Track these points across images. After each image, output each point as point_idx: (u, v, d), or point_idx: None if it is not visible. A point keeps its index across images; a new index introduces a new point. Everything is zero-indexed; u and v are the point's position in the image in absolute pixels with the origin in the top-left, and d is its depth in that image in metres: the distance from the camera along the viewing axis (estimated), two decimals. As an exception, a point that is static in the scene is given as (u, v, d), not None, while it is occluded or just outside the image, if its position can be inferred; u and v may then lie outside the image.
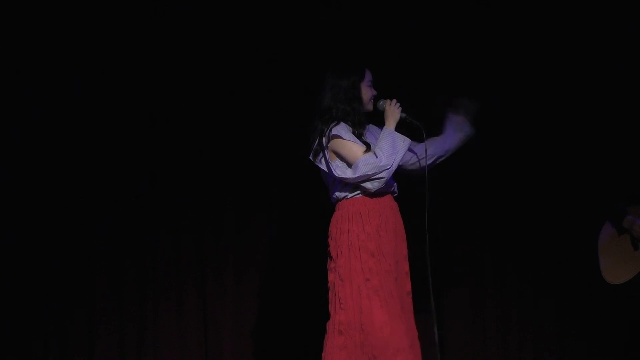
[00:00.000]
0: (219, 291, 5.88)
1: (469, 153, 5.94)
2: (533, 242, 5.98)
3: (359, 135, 4.67)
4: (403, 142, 4.66)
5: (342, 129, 4.64)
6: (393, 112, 4.72)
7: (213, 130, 5.90)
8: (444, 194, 5.89)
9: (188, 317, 5.88)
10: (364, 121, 4.73)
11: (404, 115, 4.73)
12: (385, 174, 4.61)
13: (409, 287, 4.73)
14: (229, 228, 5.91)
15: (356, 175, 4.60)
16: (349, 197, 4.68)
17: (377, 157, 4.58)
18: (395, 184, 4.78)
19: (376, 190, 4.65)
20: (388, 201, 4.73)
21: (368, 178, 4.60)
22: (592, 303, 5.90)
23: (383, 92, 4.79)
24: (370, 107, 4.75)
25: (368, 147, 4.62)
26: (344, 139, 4.63)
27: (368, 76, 4.74)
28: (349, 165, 4.62)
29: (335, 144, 4.64)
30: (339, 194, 4.70)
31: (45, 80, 5.76)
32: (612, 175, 5.61)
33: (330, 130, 4.64)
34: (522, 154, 5.98)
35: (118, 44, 5.80)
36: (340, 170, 4.64)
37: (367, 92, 4.73)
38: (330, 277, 4.65)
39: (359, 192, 4.67)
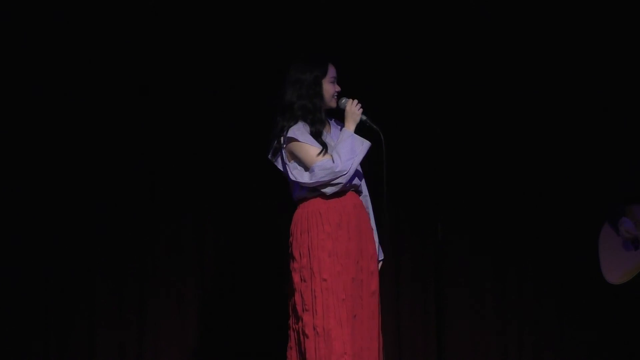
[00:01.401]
0: (219, 288, 5.88)
1: (469, 152, 5.98)
2: (534, 241, 5.97)
3: (317, 134, 4.52)
4: (362, 145, 4.51)
5: (298, 130, 4.51)
6: (353, 113, 4.55)
7: (212, 126, 5.86)
8: (444, 194, 5.90)
9: (188, 314, 5.87)
10: (324, 119, 4.58)
11: (364, 117, 4.56)
12: (342, 180, 4.47)
13: (374, 286, 4.55)
14: (229, 226, 5.90)
15: (312, 181, 4.48)
16: (308, 197, 4.56)
17: (333, 161, 4.46)
18: (361, 182, 4.63)
19: (352, 188, 4.56)
20: (351, 199, 4.55)
21: (325, 184, 4.49)
22: (593, 303, 5.89)
23: (349, 91, 4.67)
24: (333, 104, 4.59)
25: (325, 149, 4.49)
26: (300, 142, 4.49)
27: (331, 72, 4.57)
28: (307, 168, 4.51)
29: (292, 146, 4.51)
30: (298, 194, 4.58)
31: (43, 79, 5.73)
32: (612, 173, 5.61)
33: (288, 131, 4.52)
34: (523, 152, 5.97)
35: (114, 42, 5.80)
36: (298, 174, 4.51)
37: (329, 89, 4.56)
38: (295, 278, 4.51)
39: (317, 193, 4.54)
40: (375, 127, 4.55)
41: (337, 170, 4.44)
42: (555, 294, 5.95)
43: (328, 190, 4.50)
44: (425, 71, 5.93)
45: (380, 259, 4.68)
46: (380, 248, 4.68)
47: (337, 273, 4.46)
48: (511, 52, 5.95)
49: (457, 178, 5.95)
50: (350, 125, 4.54)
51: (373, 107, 5.69)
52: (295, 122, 4.52)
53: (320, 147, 4.49)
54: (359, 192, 4.64)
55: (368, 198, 4.71)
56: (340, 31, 5.85)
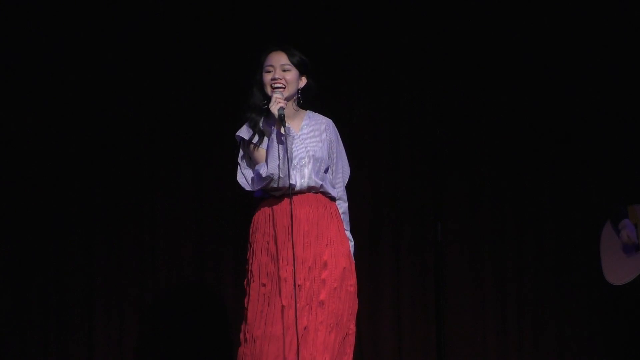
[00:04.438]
0: (219, 287, 5.87)
1: (469, 152, 5.97)
2: (534, 241, 5.97)
3: (255, 123, 4.33)
4: (277, 147, 4.22)
5: (242, 131, 4.38)
6: (273, 110, 4.25)
7: (211, 128, 5.87)
8: (444, 194, 5.89)
9: (188, 316, 5.86)
10: (262, 107, 4.33)
11: (281, 112, 4.21)
12: (276, 184, 4.23)
13: (322, 296, 4.24)
14: (229, 228, 5.90)
15: (251, 189, 4.36)
16: (261, 197, 4.38)
17: (264, 166, 4.25)
18: (322, 183, 4.32)
19: (298, 190, 4.30)
20: (312, 201, 4.32)
21: (265, 187, 4.30)
22: (593, 303, 5.89)
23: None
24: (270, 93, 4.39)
25: (257, 138, 4.31)
26: (244, 142, 4.39)
27: (267, 61, 4.35)
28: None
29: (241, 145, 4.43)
30: (256, 193, 4.42)
31: (37, 75, 5.74)
32: (614, 173, 5.61)
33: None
34: (524, 152, 5.97)
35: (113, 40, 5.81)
36: (240, 176, 4.38)
37: (265, 77, 4.34)
38: (245, 280, 4.39)
39: (267, 194, 4.35)
40: (284, 125, 4.24)
41: (264, 176, 4.25)
42: (556, 293, 5.95)
43: (273, 192, 4.32)
44: (425, 71, 5.93)
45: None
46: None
47: (281, 279, 4.24)
48: (511, 52, 5.95)
49: (458, 178, 5.95)
50: (277, 124, 4.28)
51: (373, 107, 5.74)
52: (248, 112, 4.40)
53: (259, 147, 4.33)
54: (326, 194, 4.37)
55: (342, 203, 4.45)
56: (339, 29, 5.85)
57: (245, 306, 4.31)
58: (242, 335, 4.27)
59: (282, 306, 4.19)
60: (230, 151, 5.77)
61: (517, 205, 5.97)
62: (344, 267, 4.31)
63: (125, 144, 5.81)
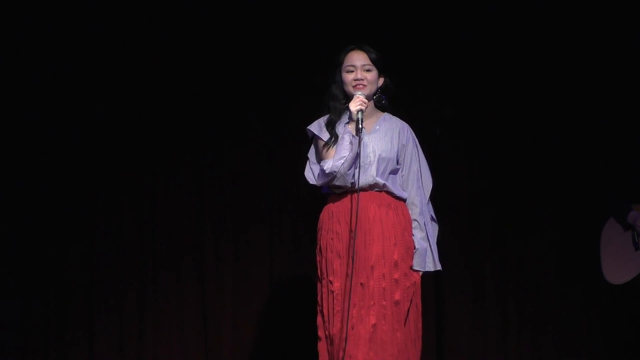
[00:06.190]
0: (219, 289, 5.88)
1: (469, 151, 5.98)
2: (534, 241, 5.97)
3: (329, 124, 4.38)
4: (349, 145, 4.29)
5: (314, 126, 4.44)
6: (352, 109, 4.32)
7: (213, 125, 5.92)
8: (444, 193, 5.90)
9: (188, 317, 5.89)
10: (342, 109, 4.39)
11: (359, 116, 4.28)
12: (339, 182, 4.31)
13: (397, 296, 4.31)
14: (229, 227, 5.90)
15: (316, 183, 4.41)
16: (327, 194, 4.46)
17: (330, 162, 4.30)
18: (385, 182, 4.37)
19: (360, 187, 4.33)
20: (375, 199, 4.37)
21: (328, 183, 4.36)
22: (593, 303, 5.89)
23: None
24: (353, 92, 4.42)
25: (329, 140, 4.35)
26: (315, 136, 4.43)
27: (347, 61, 4.41)
28: None
29: (313, 140, 4.48)
30: (323, 189, 4.49)
31: (37, 73, 5.79)
32: (615, 173, 5.62)
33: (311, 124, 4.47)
34: (525, 150, 5.97)
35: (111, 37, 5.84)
36: (308, 171, 4.44)
37: (345, 77, 4.40)
38: (316, 275, 4.45)
39: (332, 191, 4.42)
40: (360, 128, 4.29)
41: (327, 172, 4.32)
42: (556, 293, 5.95)
43: (335, 189, 4.40)
44: (424, 71, 5.94)
45: (425, 270, 4.43)
46: (432, 259, 4.44)
47: (348, 276, 4.30)
48: (511, 52, 5.97)
49: (458, 178, 5.95)
50: (350, 123, 4.39)
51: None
52: (326, 112, 4.44)
53: (326, 143, 4.37)
54: (390, 194, 4.40)
55: (413, 207, 4.45)
56: (337, 28, 5.87)
57: (319, 302, 4.39)
58: (319, 332, 4.36)
59: (354, 304, 4.27)
60: (229, 149, 5.88)
61: (517, 205, 5.98)
62: (410, 266, 4.40)
63: (124, 142, 5.84)
